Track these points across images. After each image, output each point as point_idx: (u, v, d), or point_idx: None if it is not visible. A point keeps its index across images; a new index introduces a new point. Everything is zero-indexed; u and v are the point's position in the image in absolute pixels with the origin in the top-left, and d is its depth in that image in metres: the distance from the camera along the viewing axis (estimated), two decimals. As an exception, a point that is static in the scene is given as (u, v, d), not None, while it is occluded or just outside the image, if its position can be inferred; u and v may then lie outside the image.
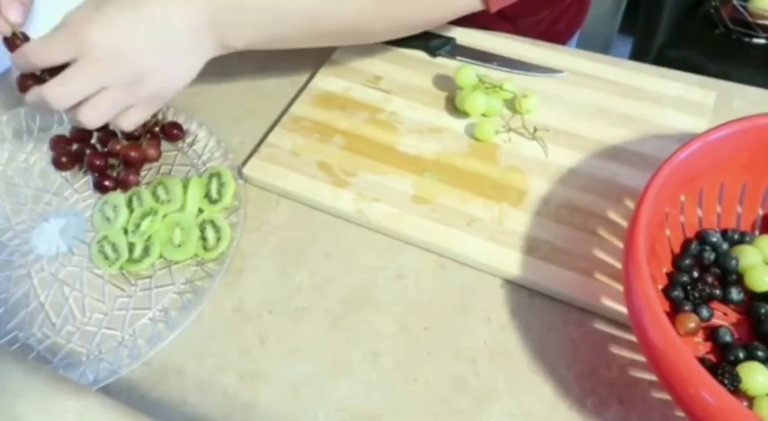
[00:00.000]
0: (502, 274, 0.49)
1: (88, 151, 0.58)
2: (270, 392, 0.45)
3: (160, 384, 0.45)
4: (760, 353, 0.42)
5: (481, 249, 0.50)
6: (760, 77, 1.20)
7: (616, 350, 0.45)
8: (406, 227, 0.52)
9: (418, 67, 0.64)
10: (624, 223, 0.50)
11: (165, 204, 0.54)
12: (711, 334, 0.44)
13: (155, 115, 0.58)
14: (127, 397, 0.44)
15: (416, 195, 0.53)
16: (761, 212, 0.49)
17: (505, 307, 0.48)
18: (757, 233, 0.49)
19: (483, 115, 0.58)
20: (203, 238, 0.52)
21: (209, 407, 0.44)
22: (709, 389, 0.34)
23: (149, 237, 0.52)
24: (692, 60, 1.28)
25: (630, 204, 0.51)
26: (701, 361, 0.43)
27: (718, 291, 0.46)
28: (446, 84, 0.62)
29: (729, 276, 0.46)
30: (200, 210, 0.54)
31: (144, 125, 0.58)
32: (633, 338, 0.45)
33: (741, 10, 1.21)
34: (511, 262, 0.49)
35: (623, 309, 0.45)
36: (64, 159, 0.57)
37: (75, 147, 0.58)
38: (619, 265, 0.48)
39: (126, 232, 0.53)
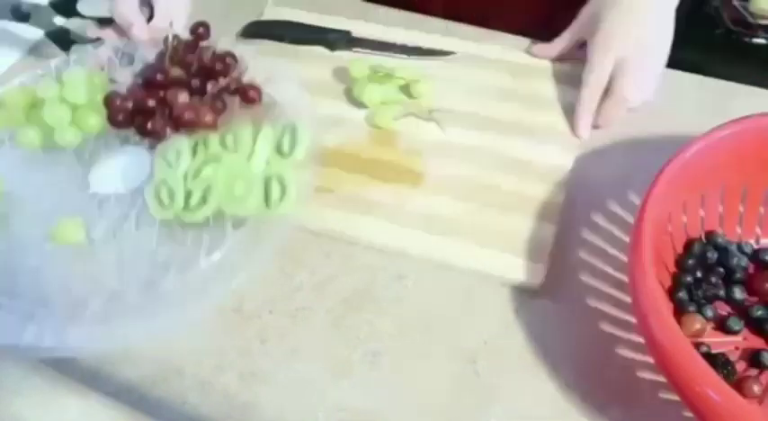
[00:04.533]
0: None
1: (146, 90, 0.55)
2: (270, 392, 0.44)
3: (160, 384, 0.45)
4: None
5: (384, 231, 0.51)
6: (760, 77, 1.20)
7: (618, 350, 0.45)
8: (310, 217, 0.52)
9: (317, 63, 0.65)
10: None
11: (231, 153, 0.50)
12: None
13: (230, 74, 0.55)
14: (127, 397, 0.44)
15: (320, 185, 0.53)
16: (762, 211, 0.49)
17: (506, 306, 0.48)
18: (759, 233, 0.49)
19: (382, 103, 0.59)
20: (267, 194, 0.48)
21: (209, 407, 0.44)
22: (715, 390, 0.34)
23: (209, 185, 0.49)
24: (692, 60, 1.28)
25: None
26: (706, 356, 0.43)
27: (722, 292, 0.46)
28: (345, 76, 0.62)
29: (733, 275, 0.46)
30: (269, 165, 0.51)
31: (217, 81, 0.55)
32: (635, 338, 0.45)
33: (741, 10, 1.21)
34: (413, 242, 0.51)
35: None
36: (120, 117, 0.53)
37: (131, 105, 0.54)
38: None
39: (186, 178, 0.50)
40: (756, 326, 0.45)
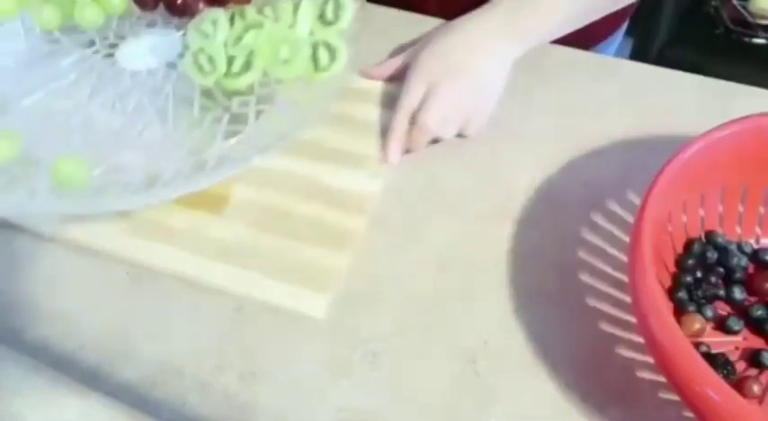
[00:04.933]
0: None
1: None
2: (270, 392, 0.44)
3: (160, 385, 0.45)
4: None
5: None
6: (760, 77, 1.20)
7: (618, 350, 0.45)
8: (105, 242, 0.50)
9: None
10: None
11: (272, 22, 0.48)
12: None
13: None
14: (127, 397, 0.44)
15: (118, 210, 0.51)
16: (762, 211, 0.49)
17: (506, 306, 0.48)
18: (759, 233, 0.49)
19: None
20: (315, 60, 0.46)
21: (209, 408, 0.44)
22: (715, 390, 0.34)
23: (252, 50, 0.46)
24: (692, 60, 1.28)
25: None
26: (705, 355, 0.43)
27: (721, 292, 0.46)
28: None
29: (733, 275, 0.46)
30: (313, 34, 0.49)
31: None
32: (635, 338, 0.45)
33: (741, 10, 1.22)
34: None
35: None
36: None
37: None
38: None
39: (226, 46, 0.47)
40: (756, 326, 0.45)
